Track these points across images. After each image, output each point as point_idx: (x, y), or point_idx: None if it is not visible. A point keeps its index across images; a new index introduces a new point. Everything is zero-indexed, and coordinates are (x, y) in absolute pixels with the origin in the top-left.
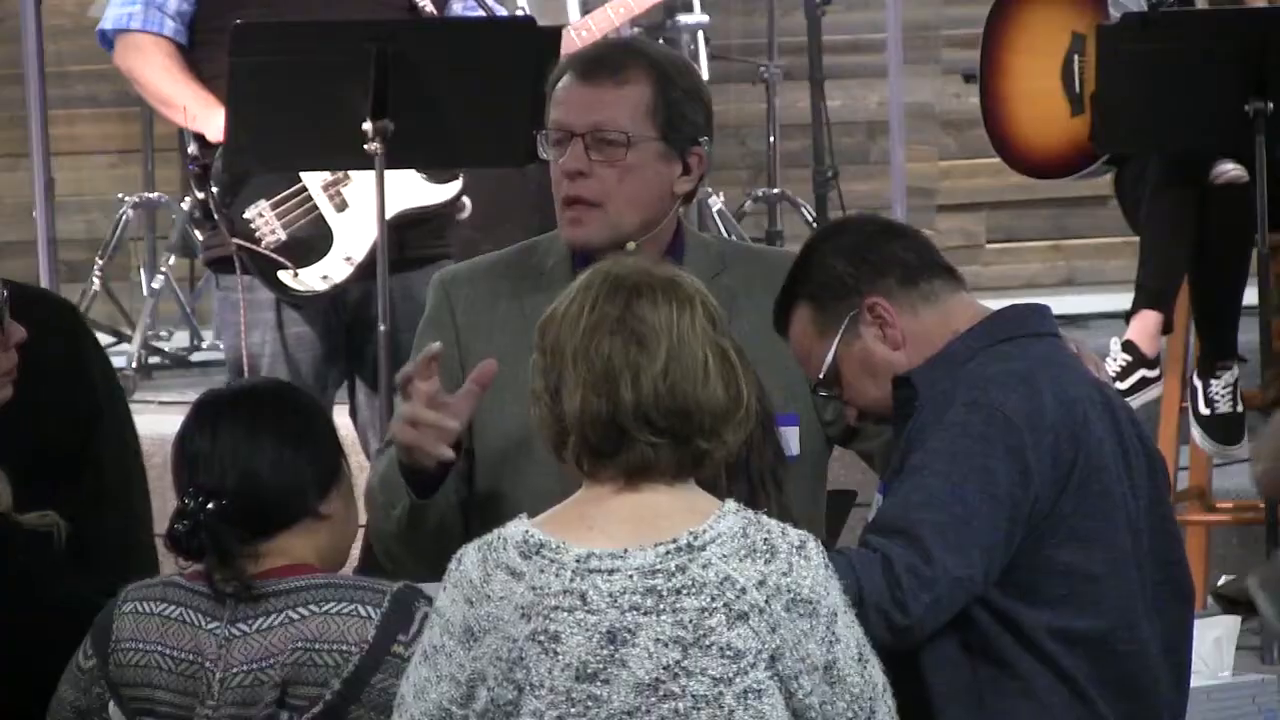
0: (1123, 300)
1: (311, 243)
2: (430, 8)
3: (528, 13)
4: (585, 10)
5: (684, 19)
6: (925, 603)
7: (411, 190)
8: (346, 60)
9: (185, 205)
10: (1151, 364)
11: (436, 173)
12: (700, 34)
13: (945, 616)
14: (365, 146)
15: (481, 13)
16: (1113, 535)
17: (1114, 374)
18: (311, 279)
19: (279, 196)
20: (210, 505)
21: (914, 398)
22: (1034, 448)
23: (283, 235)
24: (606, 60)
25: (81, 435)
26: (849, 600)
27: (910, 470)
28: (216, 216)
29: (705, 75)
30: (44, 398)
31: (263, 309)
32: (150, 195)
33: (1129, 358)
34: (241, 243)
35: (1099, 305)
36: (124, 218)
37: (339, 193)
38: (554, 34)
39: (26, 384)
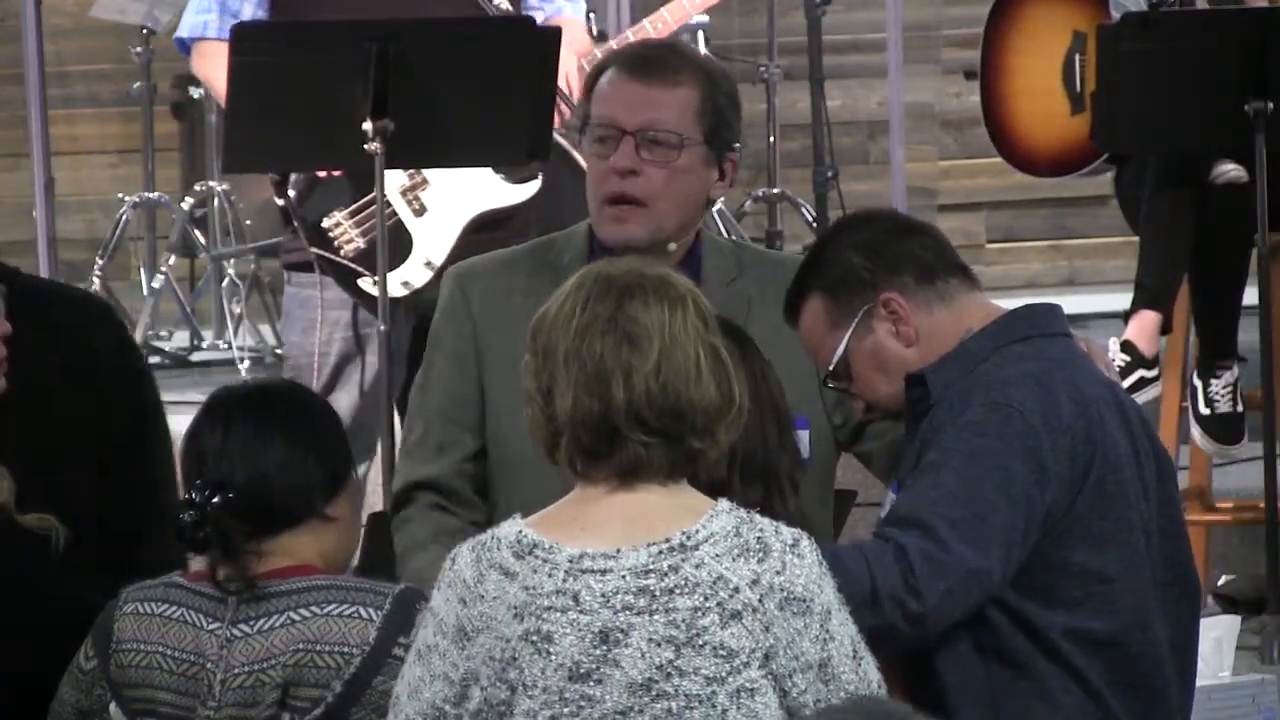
0: (1123, 300)
1: (392, 248)
2: (505, 4)
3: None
4: (588, 12)
5: None
6: (940, 590)
7: (489, 191)
8: (346, 60)
9: (185, 205)
10: (1150, 364)
11: (515, 172)
12: (700, 34)
13: (960, 609)
14: (365, 146)
15: (560, 6)
16: (1127, 536)
17: None
18: (392, 285)
19: (357, 205)
20: (216, 499)
21: (926, 396)
22: (1051, 449)
23: (361, 243)
24: (658, 59)
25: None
26: (845, 594)
27: (926, 468)
28: (296, 224)
29: None
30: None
31: (333, 308)
32: (150, 195)
33: (1128, 358)
34: (321, 252)
35: (1099, 305)
36: (124, 218)
37: (417, 197)
38: (554, 34)
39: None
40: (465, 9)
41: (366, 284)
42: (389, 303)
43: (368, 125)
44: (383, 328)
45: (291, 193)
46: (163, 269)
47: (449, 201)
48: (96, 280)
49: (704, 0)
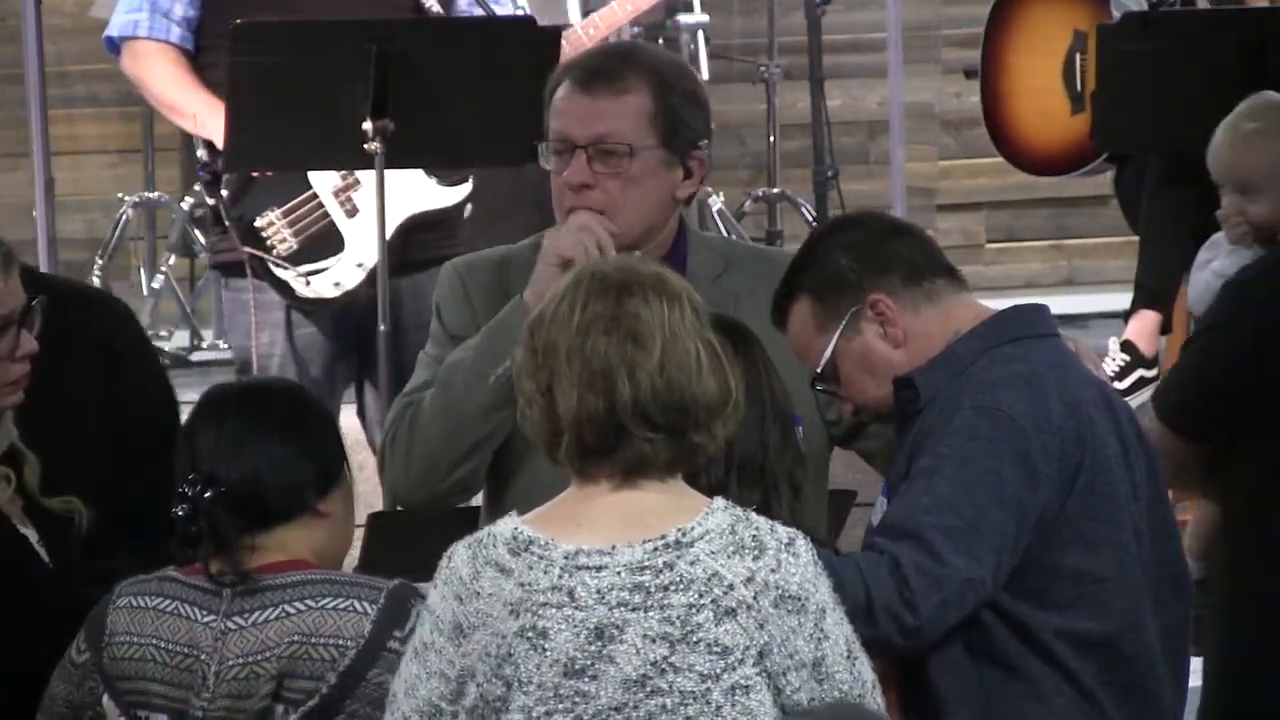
0: (1123, 300)
1: (323, 249)
2: (436, 7)
3: (528, 12)
4: (586, 10)
5: (684, 19)
6: (934, 602)
7: (421, 193)
8: (346, 60)
9: (185, 205)
10: (1150, 363)
11: (446, 175)
12: (700, 34)
13: (954, 618)
14: (365, 146)
15: (481, 10)
16: (1118, 536)
17: (1112, 373)
18: (323, 286)
19: (290, 204)
20: (209, 493)
21: (916, 399)
22: (1041, 451)
23: (294, 244)
24: (605, 69)
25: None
26: (840, 598)
27: (918, 474)
28: (228, 223)
29: (705, 75)
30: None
31: (271, 310)
32: (150, 195)
33: (1127, 357)
34: (254, 251)
35: (1099, 305)
36: (124, 218)
37: (350, 199)
38: (554, 34)
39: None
40: (401, 11)
41: (297, 284)
42: (319, 302)
43: (368, 125)
44: (383, 328)
45: (224, 192)
46: (163, 269)
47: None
48: (96, 280)
49: (635, 8)
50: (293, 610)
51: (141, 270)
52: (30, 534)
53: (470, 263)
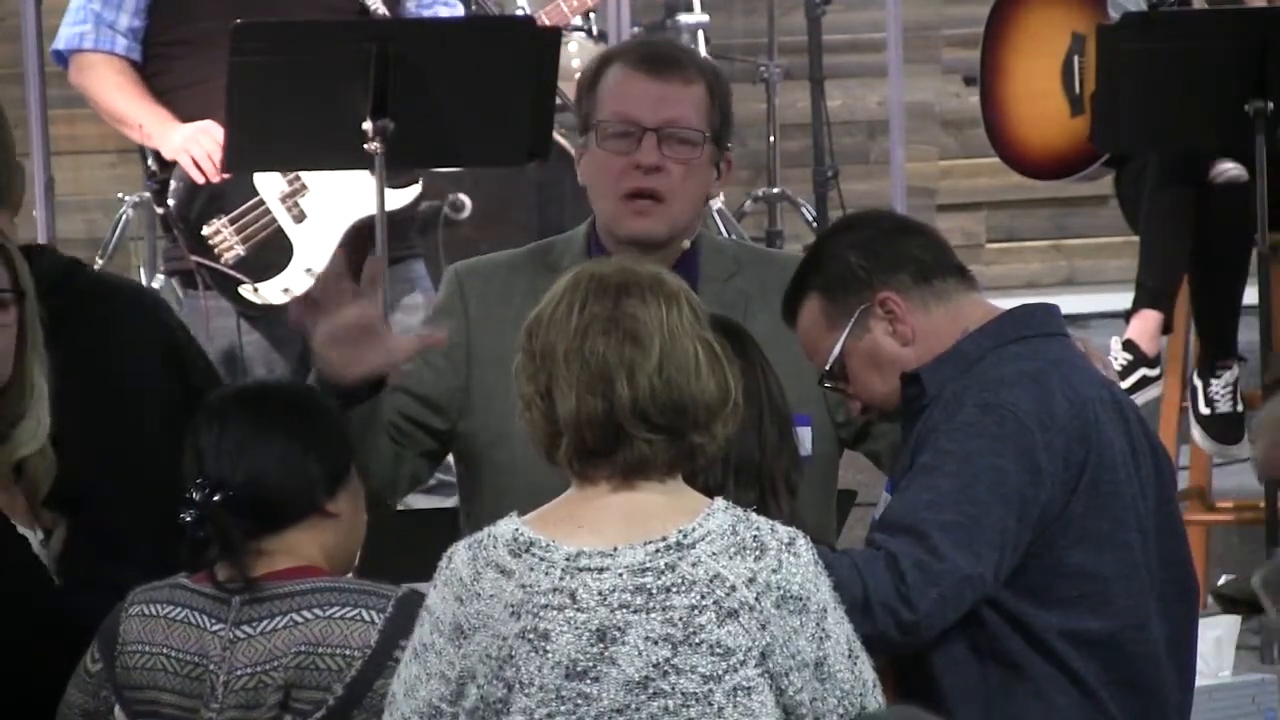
0: (1123, 300)
1: (271, 256)
2: (382, 9)
3: (528, 12)
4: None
5: (684, 19)
6: (932, 598)
7: (369, 196)
8: (346, 60)
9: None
10: (1152, 363)
11: (394, 177)
12: (700, 34)
13: (953, 614)
14: (365, 146)
15: (437, 10)
16: (1123, 536)
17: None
18: (271, 293)
19: (237, 212)
20: (216, 497)
21: (922, 395)
22: (1045, 449)
23: (241, 250)
24: (669, 57)
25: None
26: (839, 597)
27: (920, 469)
28: (175, 232)
29: None
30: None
31: (227, 318)
32: (150, 195)
33: (1129, 357)
34: (201, 260)
35: (1099, 305)
36: (124, 218)
37: (296, 204)
38: (554, 34)
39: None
40: (343, 13)
41: (246, 291)
42: (268, 309)
43: (368, 125)
44: None
45: (171, 201)
46: (162, 269)
47: (328, 208)
48: None
49: (581, 3)
50: (301, 619)
51: (141, 270)
52: (32, 536)
53: (473, 267)
